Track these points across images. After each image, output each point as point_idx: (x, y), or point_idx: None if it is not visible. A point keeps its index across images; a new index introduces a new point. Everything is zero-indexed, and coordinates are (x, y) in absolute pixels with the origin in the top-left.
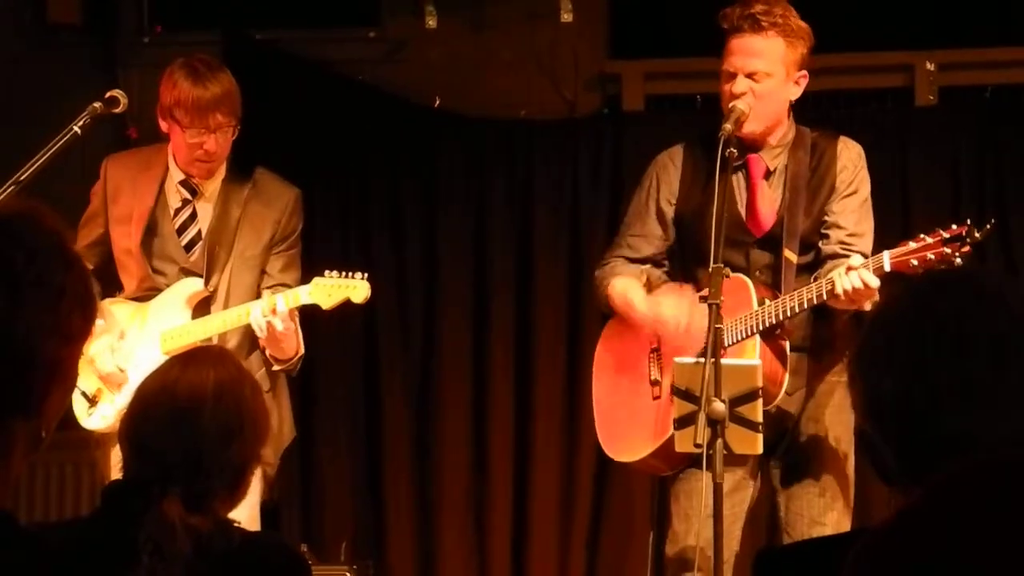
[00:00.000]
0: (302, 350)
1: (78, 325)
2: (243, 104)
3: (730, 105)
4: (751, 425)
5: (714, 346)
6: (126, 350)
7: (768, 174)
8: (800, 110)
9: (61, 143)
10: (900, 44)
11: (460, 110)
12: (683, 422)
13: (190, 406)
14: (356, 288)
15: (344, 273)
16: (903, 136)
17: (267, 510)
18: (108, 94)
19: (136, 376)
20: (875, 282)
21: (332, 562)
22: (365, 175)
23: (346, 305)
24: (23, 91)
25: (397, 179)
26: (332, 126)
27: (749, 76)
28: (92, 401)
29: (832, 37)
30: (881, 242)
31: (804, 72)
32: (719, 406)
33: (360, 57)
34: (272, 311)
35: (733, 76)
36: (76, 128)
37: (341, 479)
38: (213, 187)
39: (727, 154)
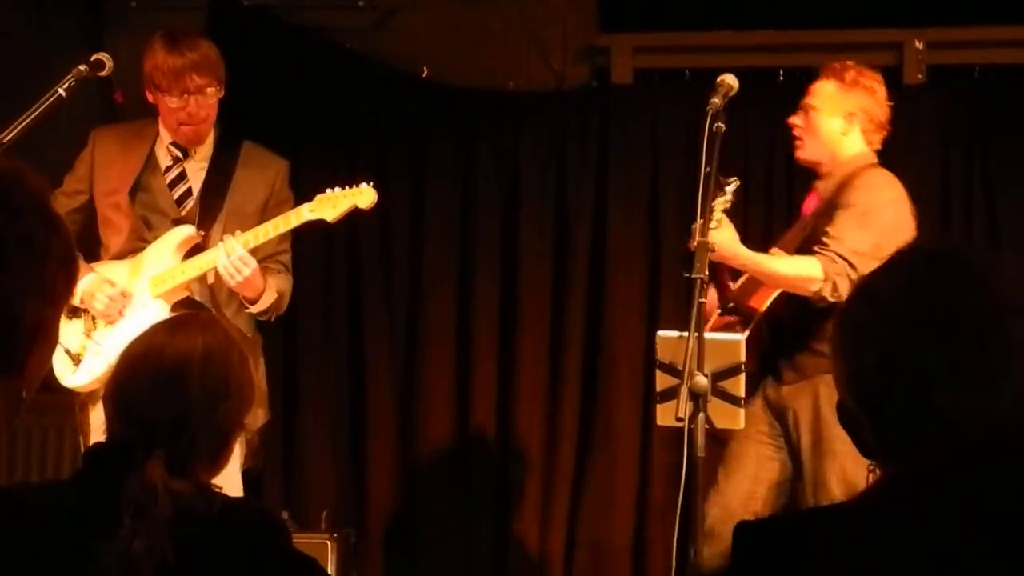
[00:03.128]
0: (275, 295)
1: (61, 287)
2: (229, 70)
3: (719, 79)
4: (733, 400)
5: (698, 320)
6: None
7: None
8: (787, 85)
9: (45, 105)
10: (889, 22)
11: (448, 80)
12: (665, 395)
13: (177, 370)
14: (362, 194)
15: (346, 186)
16: (891, 115)
17: (250, 478)
18: (93, 57)
19: (129, 325)
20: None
21: (313, 530)
22: (352, 144)
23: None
24: (9, 56)
25: (384, 149)
26: (319, 94)
27: (803, 110)
28: (76, 359)
29: (821, 13)
30: None
31: (856, 113)
32: (701, 380)
33: (349, 25)
34: (236, 255)
35: None
36: (61, 90)
37: (323, 448)
38: (203, 151)
39: (715, 128)
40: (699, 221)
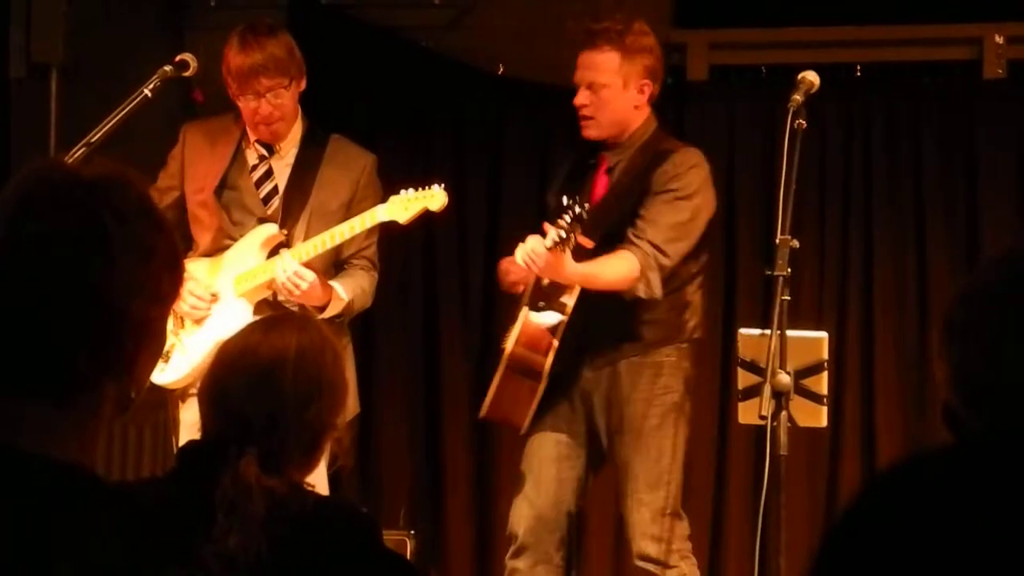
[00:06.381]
0: (344, 302)
1: (167, 286)
2: (308, 69)
3: (800, 76)
4: (816, 398)
5: (780, 318)
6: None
7: (609, 169)
8: (868, 80)
9: (132, 105)
10: (968, 16)
11: (524, 77)
12: (747, 393)
13: (272, 368)
14: (433, 197)
15: (419, 187)
16: (970, 109)
17: (335, 476)
18: (178, 57)
19: (213, 323)
20: (541, 250)
21: (391, 527)
22: (429, 141)
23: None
24: (90, 53)
25: (461, 146)
26: (396, 92)
27: (589, 87)
28: (165, 357)
29: (900, 8)
30: (950, 217)
31: (647, 81)
32: (784, 378)
33: (425, 23)
34: (291, 271)
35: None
36: (147, 91)
37: (400, 445)
38: (289, 147)
39: (795, 125)
40: (780, 219)
